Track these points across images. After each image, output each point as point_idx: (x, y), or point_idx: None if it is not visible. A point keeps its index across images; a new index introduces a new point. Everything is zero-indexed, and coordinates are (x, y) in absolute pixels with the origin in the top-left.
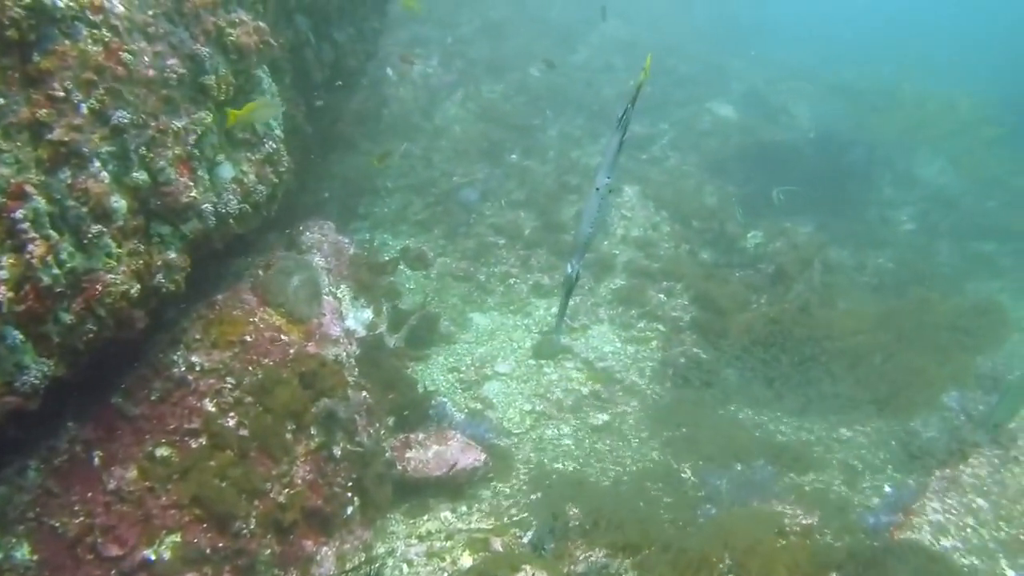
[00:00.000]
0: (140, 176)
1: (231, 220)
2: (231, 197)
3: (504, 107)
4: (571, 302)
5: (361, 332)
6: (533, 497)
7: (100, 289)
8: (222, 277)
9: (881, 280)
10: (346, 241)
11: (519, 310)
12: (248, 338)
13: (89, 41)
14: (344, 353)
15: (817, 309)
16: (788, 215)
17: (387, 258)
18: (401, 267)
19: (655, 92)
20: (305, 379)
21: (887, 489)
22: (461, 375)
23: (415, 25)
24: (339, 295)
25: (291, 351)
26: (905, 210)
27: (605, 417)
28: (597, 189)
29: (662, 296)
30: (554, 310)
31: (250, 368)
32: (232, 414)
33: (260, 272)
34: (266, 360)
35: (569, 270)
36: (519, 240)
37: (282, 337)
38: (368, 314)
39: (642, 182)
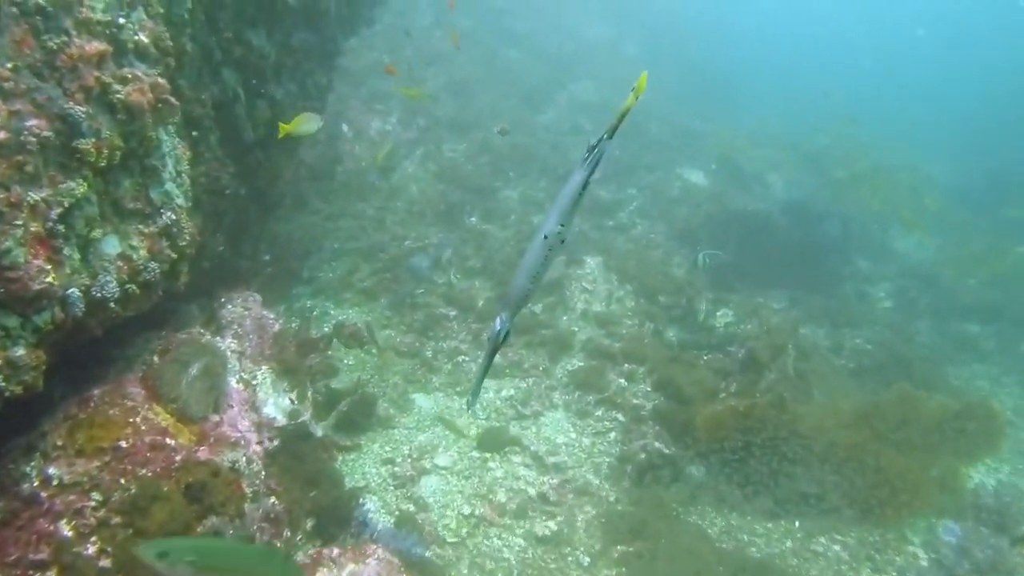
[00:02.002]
0: None
1: (112, 304)
2: (109, 278)
3: (465, 167)
4: (524, 383)
5: (281, 420)
6: None
7: None
8: (112, 363)
9: (859, 363)
10: (271, 317)
11: (467, 391)
12: (124, 443)
13: None
14: (244, 458)
15: (790, 402)
16: (761, 289)
17: (321, 333)
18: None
19: (624, 155)
20: (191, 492)
21: None
22: (396, 468)
23: (377, 80)
24: (255, 381)
25: (177, 458)
26: (883, 286)
27: (553, 526)
28: (545, 237)
29: (623, 381)
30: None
31: (122, 481)
32: (93, 539)
33: (155, 359)
34: (144, 471)
35: (497, 326)
36: (471, 312)
37: (167, 441)
38: (291, 400)
39: (606, 252)
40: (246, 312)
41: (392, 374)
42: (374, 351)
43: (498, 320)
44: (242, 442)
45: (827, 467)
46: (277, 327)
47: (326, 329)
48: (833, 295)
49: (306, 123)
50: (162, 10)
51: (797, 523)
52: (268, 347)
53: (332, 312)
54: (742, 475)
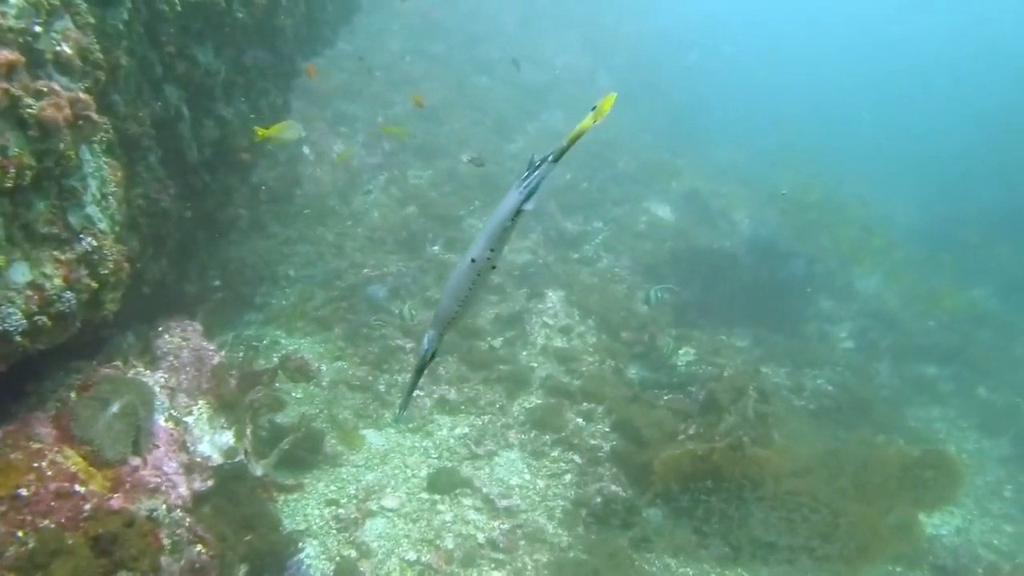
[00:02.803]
0: None
1: (17, 337)
2: (12, 310)
3: (430, 195)
4: (479, 421)
5: (217, 459)
6: None
7: None
8: (23, 399)
9: (820, 404)
10: (210, 348)
11: (419, 428)
12: (24, 491)
13: None
14: (164, 506)
15: (750, 446)
16: (725, 326)
17: (266, 366)
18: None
19: (591, 188)
20: (100, 545)
21: None
22: (340, 510)
23: (343, 103)
24: (190, 417)
25: (85, 507)
26: (844, 326)
27: (502, 575)
28: (472, 260)
29: (581, 420)
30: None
31: (19, 534)
32: None
33: (71, 395)
34: (45, 521)
35: (425, 344)
36: None
37: (76, 488)
38: (228, 437)
39: (568, 286)
40: (184, 343)
41: (342, 408)
42: (325, 383)
43: (426, 338)
44: (164, 487)
45: (785, 513)
46: (217, 359)
47: (275, 359)
48: (795, 334)
49: (287, 130)
50: (93, 20)
51: (754, 570)
52: (206, 380)
53: (283, 341)
54: (699, 520)
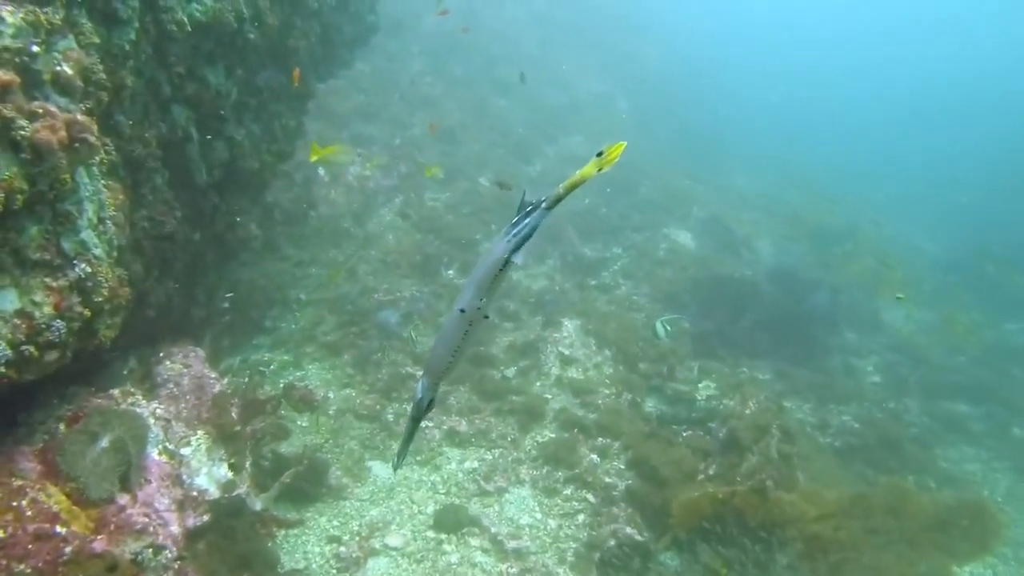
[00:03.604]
0: None
1: (1, 367)
2: None
3: (446, 218)
4: (490, 455)
5: (215, 493)
6: None
7: None
8: (11, 430)
9: (846, 442)
10: (212, 376)
11: (427, 461)
12: (0, 532)
13: None
14: (151, 548)
15: (773, 490)
16: (746, 358)
17: (269, 394)
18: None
19: (611, 213)
20: None
21: None
22: (342, 548)
23: (361, 123)
24: (187, 449)
25: (66, 550)
26: (871, 359)
27: None
28: (462, 311)
29: (595, 457)
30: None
31: None
32: None
33: (60, 427)
34: (22, 566)
35: (419, 393)
36: None
37: (57, 529)
38: (226, 470)
39: (585, 315)
40: (185, 369)
41: (349, 438)
42: (331, 411)
43: (419, 387)
44: (152, 527)
45: (811, 563)
46: (218, 387)
47: (282, 384)
48: (820, 368)
49: (341, 154)
50: (98, 40)
51: None
52: (206, 410)
53: (291, 367)
54: (718, 567)
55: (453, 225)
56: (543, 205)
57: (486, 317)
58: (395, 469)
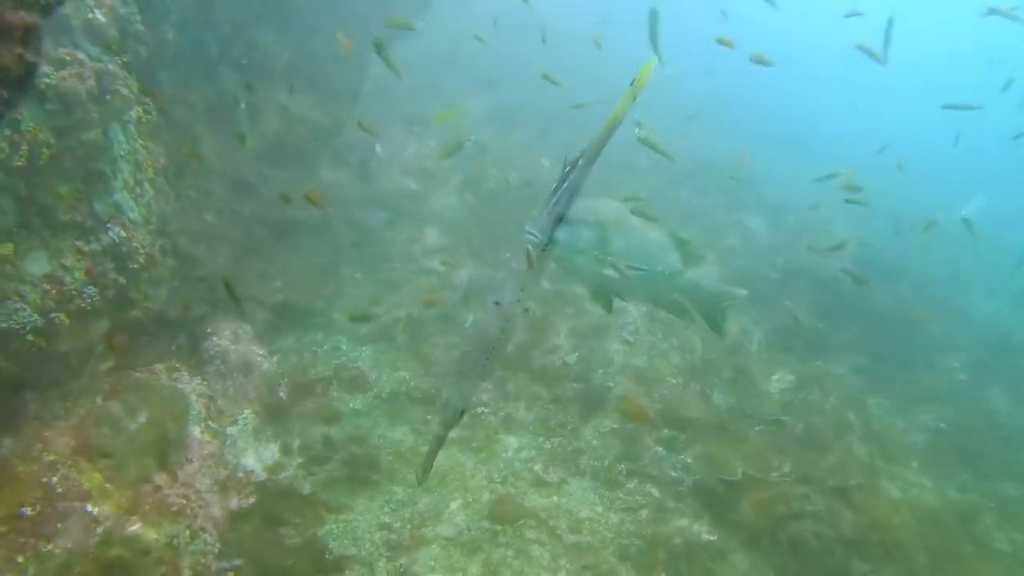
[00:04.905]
0: None
1: (28, 336)
2: (20, 306)
3: (504, 200)
4: (549, 444)
5: (261, 475)
6: None
7: None
8: (44, 403)
9: (931, 443)
10: (260, 353)
11: (483, 447)
12: (28, 510)
13: None
14: (188, 530)
15: (855, 491)
16: (823, 353)
17: (323, 372)
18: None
19: (681, 195)
20: (111, 574)
21: None
22: (392, 535)
23: (413, 103)
24: (233, 428)
25: (97, 531)
26: (957, 356)
27: None
28: (497, 303)
29: (660, 449)
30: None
31: (20, 559)
32: None
33: (99, 400)
34: (50, 547)
35: (450, 402)
36: None
37: (88, 509)
38: (274, 451)
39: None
40: (233, 346)
41: (401, 422)
42: (385, 394)
43: (450, 394)
44: (191, 509)
45: (893, 574)
46: (266, 365)
47: (334, 365)
48: (902, 365)
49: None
50: None
51: None
52: (253, 388)
53: (344, 348)
54: (792, 572)
55: (513, 207)
56: (580, 163)
57: (526, 311)
58: (420, 483)
